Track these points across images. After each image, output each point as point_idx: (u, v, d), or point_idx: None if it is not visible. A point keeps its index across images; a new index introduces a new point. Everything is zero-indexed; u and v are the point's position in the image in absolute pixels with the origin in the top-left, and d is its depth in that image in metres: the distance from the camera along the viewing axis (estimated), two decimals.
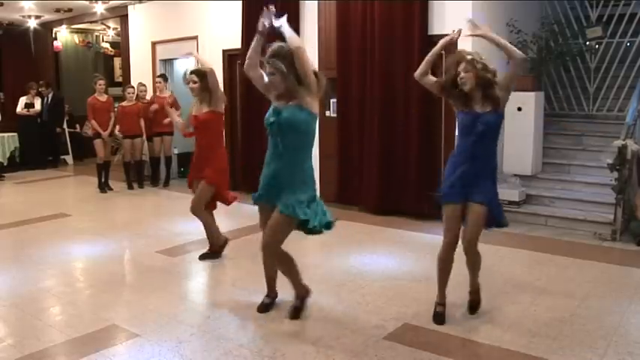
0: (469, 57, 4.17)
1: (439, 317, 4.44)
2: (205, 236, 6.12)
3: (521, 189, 7.70)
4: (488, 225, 4.42)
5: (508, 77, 4.23)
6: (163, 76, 10.54)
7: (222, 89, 5.83)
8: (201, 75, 5.69)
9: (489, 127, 4.18)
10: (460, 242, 4.38)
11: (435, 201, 4.55)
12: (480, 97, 4.19)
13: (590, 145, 8.20)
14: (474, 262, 4.48)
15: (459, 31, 4.45)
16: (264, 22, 4.12)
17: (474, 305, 4.58)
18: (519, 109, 7.88)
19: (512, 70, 4.24)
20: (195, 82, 5.69)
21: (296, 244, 4.56)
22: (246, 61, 4.27)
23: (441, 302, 4.51)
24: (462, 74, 4.15)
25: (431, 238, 6.88)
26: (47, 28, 14.24)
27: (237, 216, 7.35)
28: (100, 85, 9.95)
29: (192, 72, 5.77)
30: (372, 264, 5.90)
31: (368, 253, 6.24)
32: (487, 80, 4.14)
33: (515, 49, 4.23)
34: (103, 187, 10.03)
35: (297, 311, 4.50)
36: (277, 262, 4.46)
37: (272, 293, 4.70)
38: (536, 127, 7.93)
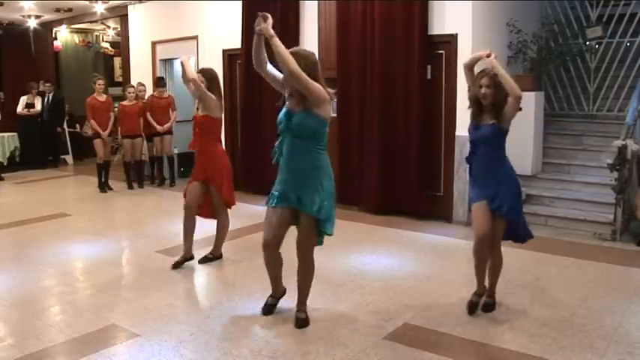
0: (492, 73, 4.34)
1: (471, 306, 4.58)
2: (205, 237, 6.12)
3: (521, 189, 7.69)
4: (509, 237, 4.68)
5: (509, 110, 4.39)
6: (163, 81, 10.51)
7: (214, 98, 5.70)
8: (208, 78, 5.71)
9: (484, 138, 4.43)
10: None
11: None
12: (489, 111, 4.40)
13: (590, 145, 8.20)
14: (492, 265, 4.60)
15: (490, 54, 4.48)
16: (259, 25, 4.20)
17: (485, 307, 4.64)
18: (519, 109, 7.87)
19: (511, 105, 4.37)
20: (202, 83, 5.64)
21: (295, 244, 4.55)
22: (253, 61, 4.26)
23: (477, 292, 4.62)
24: (484, 89, 4.34)
25: (431, 238, 6.90)
26: (47, 27, 14.24)
27: (237, 216, 7.35)
28: (99, 85, 9.95)
29: (199, 71, 5.79)
30: (372, 264, 5.90)
31: (368, 253, 6.24)
32: (501, 96, 4.34)
33: (515, 86, 4.31)
34: (103, 186, 10.03)
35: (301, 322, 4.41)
36: (310, 267, 4.41)
37: (278, 294, 4.64)
38: (536, 127, 7.93)
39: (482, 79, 4.36)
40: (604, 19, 8.70)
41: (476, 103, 4.46)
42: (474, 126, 4.50)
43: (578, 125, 8.61)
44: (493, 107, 4.37)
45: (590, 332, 4.23)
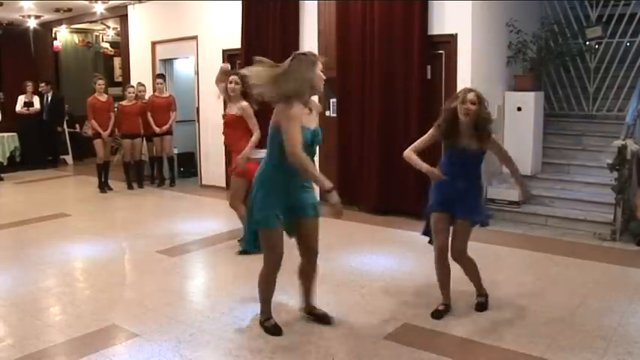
0: (478, 92, 4.31)
1: (437, 314, 4.54)
2: (205, 237, 6.11)
3: None
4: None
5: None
6: (162, 76, 10.52)
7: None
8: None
9: (473, 160, 4.48)
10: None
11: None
12: (470, 133, 4.34)
13: (590, 145, 8.21)
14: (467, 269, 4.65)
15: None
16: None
17: (478, 307, 4.66)
18: (519, 109, 7.89)
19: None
20: (237, 84, 5.99)
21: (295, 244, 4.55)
22: None
23: (444, 302, 4.61)
24: (469, 105, 4.24)
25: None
26: (47, 27, 14.23)
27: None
28: (99, 84, 9.93)
29: (235, 73, 6.08)
30: (372, 264, 5.90)
31: (368, 253, 6.24)
32: (484, 118, 4.32)
33: None
34: (103, 187, 10.02)
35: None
36: None
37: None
38: (536, 127, 7.94)
39: (467, 94, 4.28)
40: (604, 19, 8.70)
41: (452, 120, 4.35)
42: (454, 149, 4.44)
43: (578, 125, 8.61)
44: (475, 129, 4.31)
45: (589, 332, 4.24)
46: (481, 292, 4.71)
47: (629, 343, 4.07)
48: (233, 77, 6.04)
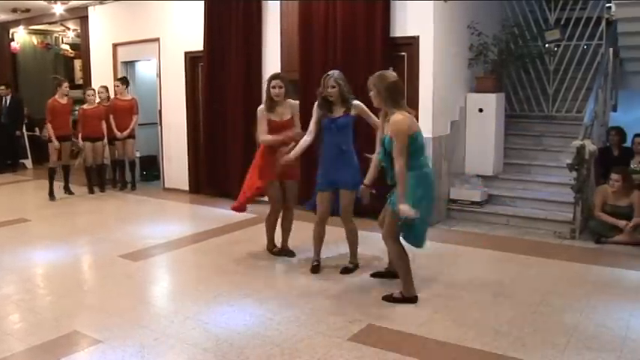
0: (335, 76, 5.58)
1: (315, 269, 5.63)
2: (169, 240, 6.05)
3: (483, 189, 7.81)
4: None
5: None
6: (123, 79, 10.36)
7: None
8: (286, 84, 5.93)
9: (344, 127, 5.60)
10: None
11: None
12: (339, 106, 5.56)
13: (550, 145, 8.37)
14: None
15: None
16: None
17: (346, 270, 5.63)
18: (481, 110, 7.99)
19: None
20: (281, 87, 5.85)
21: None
22: None
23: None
24: (329, 90, 5.52)
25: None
26: (4, 28, 13.92)
27: (199, 219, 7.31)
28: (65, 87, 9.68)
29: (276, 77, 5.95)
30: (335, 266, 5.86)
31: (332, 255, 6.20)
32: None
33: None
34: (53, 194, 9.68)
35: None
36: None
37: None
38: (497, 127, 8.05)
39: (328, 80, 5.50)
40: (562, 23, 8.89)
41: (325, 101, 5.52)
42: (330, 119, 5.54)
43: (538, 126, 8.78)
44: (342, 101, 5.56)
45: (551, 329, 4.32)
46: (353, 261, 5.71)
47: (588, 338, 4.16)
48: (276, 82, 5.84)
